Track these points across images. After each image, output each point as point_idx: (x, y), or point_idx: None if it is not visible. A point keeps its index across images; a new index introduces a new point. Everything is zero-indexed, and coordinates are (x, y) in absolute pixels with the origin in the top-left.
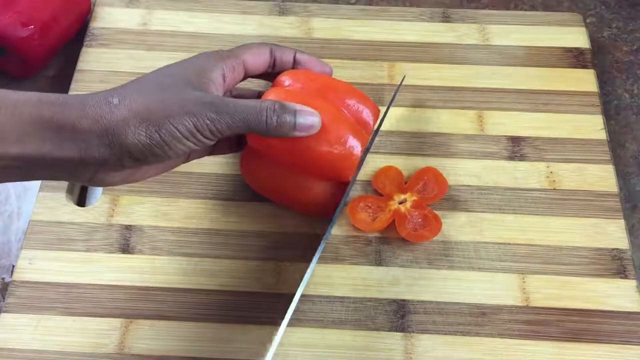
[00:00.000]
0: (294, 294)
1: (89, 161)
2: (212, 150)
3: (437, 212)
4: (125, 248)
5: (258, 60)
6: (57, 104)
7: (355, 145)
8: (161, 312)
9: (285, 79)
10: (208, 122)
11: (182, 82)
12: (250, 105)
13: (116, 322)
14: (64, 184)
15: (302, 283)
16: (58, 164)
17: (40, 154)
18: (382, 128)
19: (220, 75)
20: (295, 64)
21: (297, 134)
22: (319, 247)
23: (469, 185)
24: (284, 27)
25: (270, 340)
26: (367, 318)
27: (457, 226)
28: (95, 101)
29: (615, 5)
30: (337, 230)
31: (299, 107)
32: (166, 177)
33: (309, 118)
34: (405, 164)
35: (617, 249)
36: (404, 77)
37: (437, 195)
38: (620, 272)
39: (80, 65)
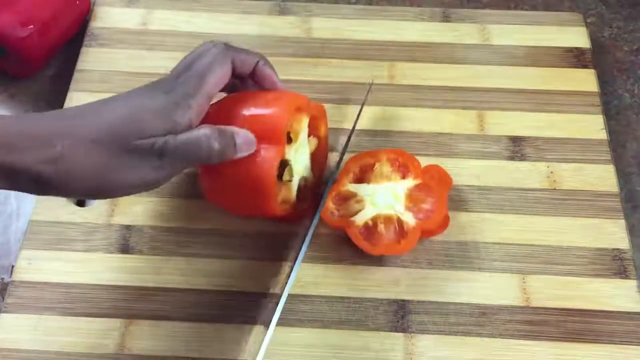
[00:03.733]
0: (294, 294)
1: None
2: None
3: None
4: (125, 248)
5: (222, 83)
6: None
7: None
8: (161, 312)
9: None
10: (151, 179)
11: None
12: (189, 141)
13: (116, 322)
14: None
15: (287, 284)
16: None
17: None
18: (382, 128)
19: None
20: (253, 73)
21: (239, 155)
22: (302, 248)
23: (470, 185)
24: (284, 27)
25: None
26: (367, 318)
27: (457, 226)
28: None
29: (615, 5)
30: (337, 230)
31: (234, 129)
32: None
33: (248, 136)
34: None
35: (617, 249)
36: (372, 81)
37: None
38: (621, 272)
39: (80, 65)
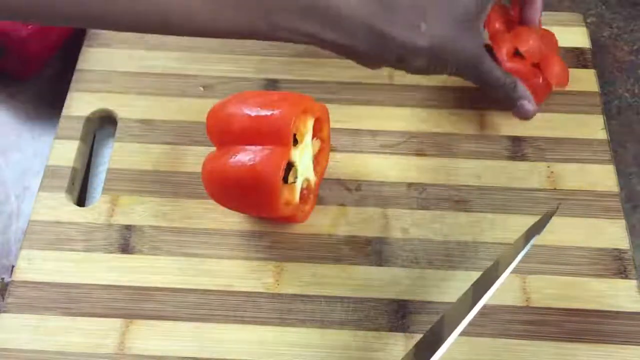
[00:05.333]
0: (294, 294)
1: None
2: None
3: (438, 212)
4: (125, 248)
5: None
6: None
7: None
8: (161, 312)
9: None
10: (466, 69)
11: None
12: (497, 77)
13: (116, 322)
14: (64, 183)
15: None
16: None
17: None
18: (382, 128)
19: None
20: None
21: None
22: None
23: (470, 185)
24: None
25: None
26: (367, 318)
27: (457, 226)
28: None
29: (615, 5)
30: (337, 230)
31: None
32: (166, 177)
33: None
34: (405, 164)
35: (617, 249)
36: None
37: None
38: (621, 273)
39: (80, 65)
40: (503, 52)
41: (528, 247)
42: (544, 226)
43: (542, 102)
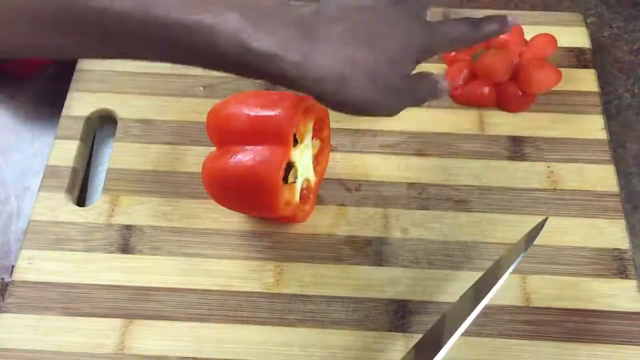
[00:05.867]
0: (294, 294)
1: None
2: None
3: (438, 212)
4: (125, 248)
5: None
6: None
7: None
8: (161, 312)
9: None
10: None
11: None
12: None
13: (116, 322)
14: (64, 183)
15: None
16: None
17: None
18: (382, 128)
19: None
20: None
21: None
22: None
23: (470, 185)
24: None
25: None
26: (367, 318)
27: (457, 226)
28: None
29: (615, 5)
30: (337, 230)
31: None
32: (166, 177)
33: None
34: (405, 164)
35: (617, 249)
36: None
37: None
38: (621, 273)
39: (80, 65)
40: (457, 78)
41: (529, 249)
42: (542, 227)
43: (525, 109)
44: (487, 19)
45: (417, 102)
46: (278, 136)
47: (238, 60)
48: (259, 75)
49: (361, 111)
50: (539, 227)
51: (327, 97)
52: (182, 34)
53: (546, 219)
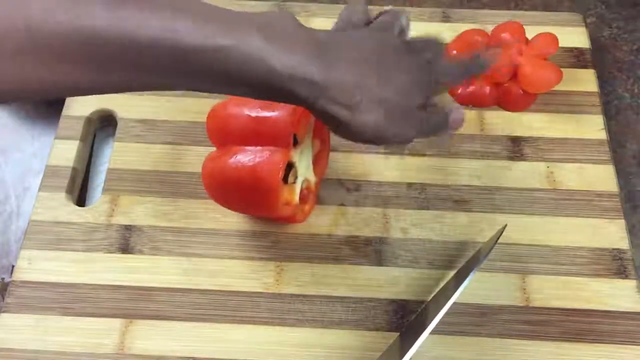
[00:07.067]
0: (294, 294)
1: None
2: None
3: (438, 212)
4: (125, 248)
5: None
6: None
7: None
8: (161, 312)
9: None
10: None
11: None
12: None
13: (116, 322)
14: (64, 183)
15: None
16: None
17: None
18: None
19: None
20: None
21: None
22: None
23: (470, 185)
24: None
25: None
26: (367, 318)
27: (457, 226)
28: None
29: (615, 5)
30: (337, 230)
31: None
32: (166, 177)
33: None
34: (405, 164)
35: (617, 249)
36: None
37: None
38: (621, 272)
39: None
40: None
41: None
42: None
43: (527, 108)
44: (476, 56)
45: (428, 133)
46: (278, 137)
47: (262, 82)
48: (283, 97)
49: (371, 137)
50: (499, 233)
51: (341, 117)
52: (208, 60)
53: (505, 225)
